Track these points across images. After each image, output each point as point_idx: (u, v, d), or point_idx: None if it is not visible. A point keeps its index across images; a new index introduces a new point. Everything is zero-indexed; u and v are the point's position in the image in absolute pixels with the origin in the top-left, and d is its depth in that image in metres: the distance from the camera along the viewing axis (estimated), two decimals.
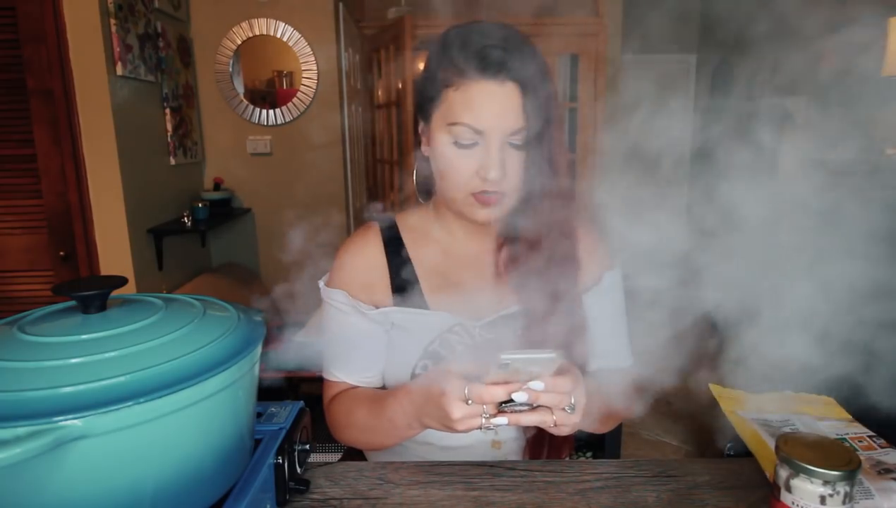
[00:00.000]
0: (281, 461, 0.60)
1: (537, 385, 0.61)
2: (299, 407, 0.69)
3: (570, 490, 0.68)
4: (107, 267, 2.17)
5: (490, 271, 0.85)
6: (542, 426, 0.64)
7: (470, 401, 0.62)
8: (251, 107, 2.88)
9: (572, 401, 0.63)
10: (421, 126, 0.81)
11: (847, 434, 0.74)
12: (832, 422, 0.77)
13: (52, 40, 1.99)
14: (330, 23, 2.85)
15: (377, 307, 0.83)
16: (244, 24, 2.80)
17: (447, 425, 0.64)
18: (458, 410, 0.62)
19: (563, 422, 0.63)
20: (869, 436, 0.74)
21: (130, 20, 2.19)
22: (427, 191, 0.88)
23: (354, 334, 0.84)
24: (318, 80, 2.87)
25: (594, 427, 0.82)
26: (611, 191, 0.75)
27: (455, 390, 0.62)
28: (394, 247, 0.86)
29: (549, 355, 0.58)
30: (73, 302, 0.53)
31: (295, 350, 0.76)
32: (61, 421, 0.38)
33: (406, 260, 0.85)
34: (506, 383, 0.61)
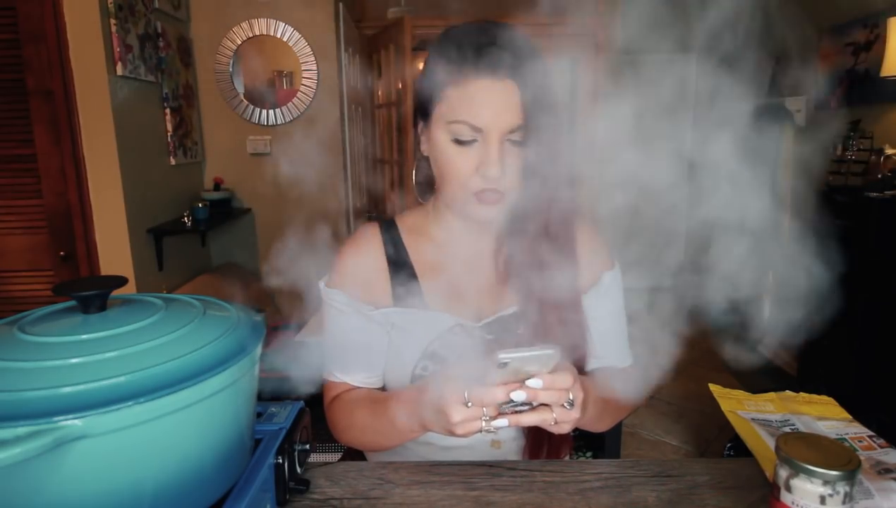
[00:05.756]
0: (281, 461, 0.60)
1: (535, 383, 0.61)
2: (299, 407, 0.69)
3: (570, 490, 0.68)
4: (107, 267, 2.17)
5: (490, 271, 0.85)
6: (542, 425, 0.64)
7: (470, 404, 0.62)
8: (251, 107, 2.89)
9: (571, 397, 0.63)
10: (420, 125, 0.81)
11: (847, 434, 0.74)
12: (832, 422, 0.77)
13: (52, 40, 1.99)
14: (330, 23, 2.85)
15: (377, 307, 0.83)
16: (244, 24, 2.80)
17: (448, 429, 0.64)
18: (457, 414, 0.62)
19: (563, 419, 0.63)
20: (869, 436, 0.74)
21: (130, 20, 2.19)
22: (427, 191, 0.88)
23: (355, 335, 0.84)
24: (318, 79, 2.87)
25: (593, 425, 0.82)
26: (610, 191, 0.75)
27: (454, 393, 0.62)
28: (393, 247, 0.86)
29: (547, 351, 0.58)
30: (73, 302, 0.53)
31: (294, 350, 0.76)
32: (61, 421, 0.38)
33: (406, 261, 0.85)
34: (505, 384, 0.61)
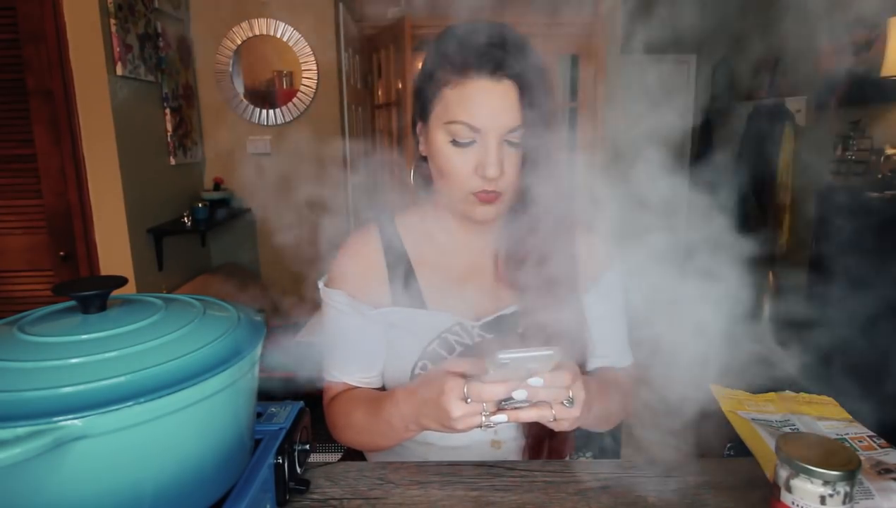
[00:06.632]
0: (281, 461, 0.60)
1: (536, 381, 0.61)
2: (299, 407, 0.69)
3: (570, 490, 0.68)
4: (107, 267, 2.17)
5: (489, 270, 0.85)
6: (541, 420, 0.63)
7: (469, 400, 0.62)
8: (251, 107, 2.88)
9: (570, 395, 0.63)
10: (419, 125, 0.81)
11: (847, 434, 0.74)
12: (832, 422, 0.77)
13: (52, 40, 1.99)
14: (330, 23, 2.84)
15: (376, 307, 0.83)
16: (244, 24, 2.80)
17: (447, 424, 0.64)
18: (457, 409, 0.62)
19: (562, 416, 0.63)
20: (869, 436, 0.74)
21: (130, 20, 2.19)
22: (425, 191, 0.88)
23: (354, 334, 0.84)
24: (318, 79, 2.87)
25: (597, 425, 0.82)
26: (610, 191, 0.75)
27: (454, 388, 0.62)
28: (392, 246, 0.86)
29: (547, 352, 0.58)
30: (73, 302, 0.53)
31: (294, 350, 0.76)
32: (61, 421, 0.38)
33: (405, 260, 0.85)
34: (505, 381, 0.61)
